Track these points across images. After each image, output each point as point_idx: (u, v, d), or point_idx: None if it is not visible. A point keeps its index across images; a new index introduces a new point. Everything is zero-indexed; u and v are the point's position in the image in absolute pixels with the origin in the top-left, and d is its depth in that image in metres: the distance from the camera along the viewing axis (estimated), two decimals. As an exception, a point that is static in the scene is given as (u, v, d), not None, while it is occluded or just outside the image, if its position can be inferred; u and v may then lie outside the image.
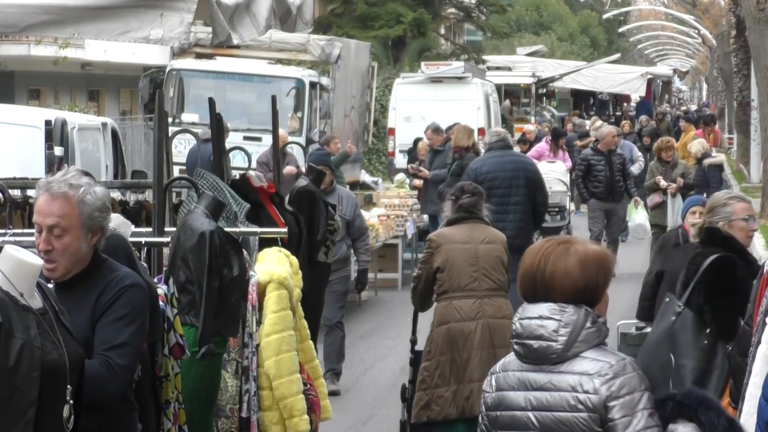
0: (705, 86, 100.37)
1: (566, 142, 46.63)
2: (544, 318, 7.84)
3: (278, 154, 17.23)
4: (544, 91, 75.79)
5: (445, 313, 16.02)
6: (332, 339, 17.95)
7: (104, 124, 28.25)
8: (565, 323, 7.83)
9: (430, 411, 15.71)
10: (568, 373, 7.79)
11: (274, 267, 13.20)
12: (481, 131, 40.18)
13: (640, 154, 39.13)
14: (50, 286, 7.98)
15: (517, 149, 34.39)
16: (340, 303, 17.80)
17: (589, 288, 7.90)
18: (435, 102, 44.02)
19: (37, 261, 7.83)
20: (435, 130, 33.37)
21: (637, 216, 32.34)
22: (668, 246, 14.97)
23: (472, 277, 16.05)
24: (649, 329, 14.11)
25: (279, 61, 38.61)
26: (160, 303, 10.07)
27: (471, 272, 16.09)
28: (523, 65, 77.89)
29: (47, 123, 24.73)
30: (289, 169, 22.83)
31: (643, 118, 63.87)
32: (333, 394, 17.22)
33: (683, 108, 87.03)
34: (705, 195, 31.42)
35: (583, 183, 31.28)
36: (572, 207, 38.89)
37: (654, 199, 32.66)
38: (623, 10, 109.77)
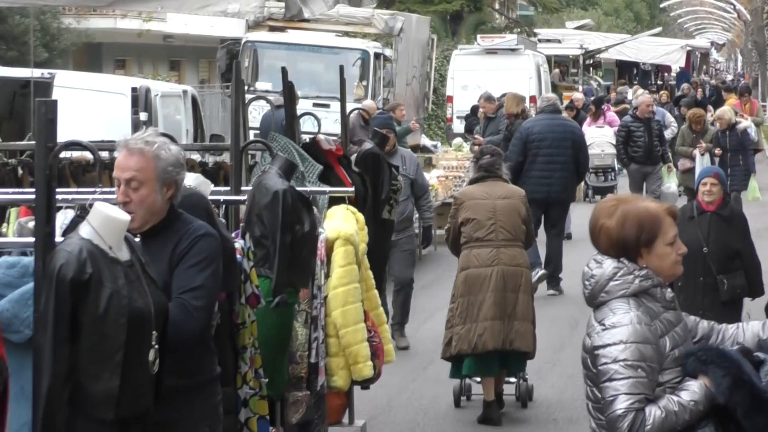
0: (740, 58, 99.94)
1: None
2: (588, 267, 7.88)
3: (345, 119, 17.29)
4: (591, 62, 75.69)
5: (465, 261, 16.51)
6: (402, 297, 17.88)
7: (185, 92, 28.32)
8: (593, 274, 7.85)
9: (450, 348, 16.15)
10: (594, 316, 7.83)
11: (341, 224, 13.24)
12: (533, 99, 40.19)
13: (673, 119, 39.01)
14: (137, 240, 8.01)
15: (564, 115, 34.21)
16: (410, 261, 17.72)
17: (623, 244, 7.78)
18: (490, 72, 43.94)
19: (125, 216, 7.85)
20: (487, 98, 33.31)
21: (671, 183, 32.15)
22: (683, 219, 13.55)
23: (490, 229, 16.45)
24: None
25: (346, 33, 38.62)
26: (237, 256, 10.12)
27: (489, 225, 16.50)
28: (571, 38, 77.77)
29: (133, 90, 24.80)
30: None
31: (685, 86, 63.70)
32: (403, 348, 17.22)
33: (720, 78, 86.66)
34: (740, 157, 31.52)
35: (624, 149, 31.16)
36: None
37: (685, 164, 32.65)
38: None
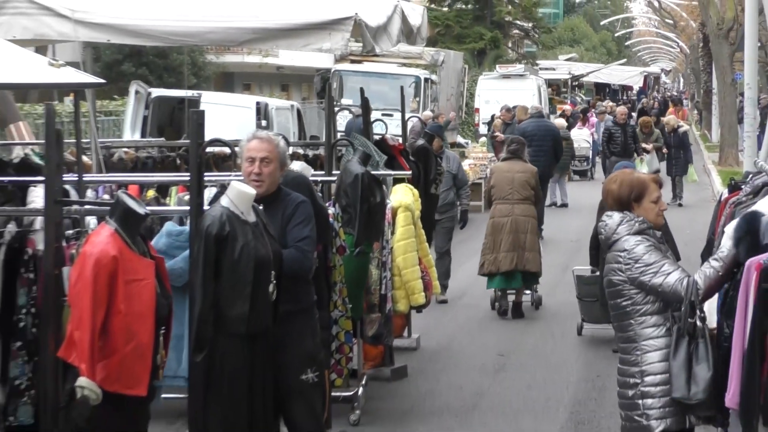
0: (681, 80, 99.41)
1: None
2: (602, 220, 8.01)
3: (404, 124, 17.31)
4: (576, 83, 75.32)
5: (492, 213, 17.37)
6: (442, 262, 17.82)
7: (292, 106, 28.31)
8: (606, 224, 7.92)
9: (483, 268, 17.08)
10: (612, 250, 7.84)
11: (402, 197, 13.31)
12: (539, 111, 40.08)
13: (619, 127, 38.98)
14: (260, 207, 8.04)
15: (553, 119, 34.87)
16: (449, 237, 17.76)
17: (620, 200, 7.93)
18: (505, 91, 43.71)
19: (252, 190, 7.92)
20: (507, 110, 33.35)
21: (642, 169, 32.15)
22: (604, 208, 13.98)
23: (508, 191, 17.21)
24: (597, 273, 14.04)
25: (404, 64, 38.52)
26: (330, 219, 10.20)
27: (508, 189, 17.23)
28: (562, 66, 77.33)
29: (257, 105, 24.88)
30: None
31: (644, 100, 64.14)
32: (443, 302, 17.23)
33: (667, 94, 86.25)
34: (681, 152, 31.53)
35: (606, 146, 31.12)
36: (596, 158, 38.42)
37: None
38: (628, 30, 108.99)
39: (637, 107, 60.83)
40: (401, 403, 12.68)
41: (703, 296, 7.61)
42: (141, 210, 7.04)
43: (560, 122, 33.12)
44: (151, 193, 11.01)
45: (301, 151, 14.85)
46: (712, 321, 8.24)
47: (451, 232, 18.15)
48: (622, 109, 34.37)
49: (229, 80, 49.14)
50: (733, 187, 11.37)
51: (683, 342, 7.60)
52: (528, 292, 17.51)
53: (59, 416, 6.45)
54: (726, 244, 7.64)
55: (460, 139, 35.00)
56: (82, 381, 6.57)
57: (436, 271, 17.08)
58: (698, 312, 7.60)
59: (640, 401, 7.74)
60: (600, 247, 12.75)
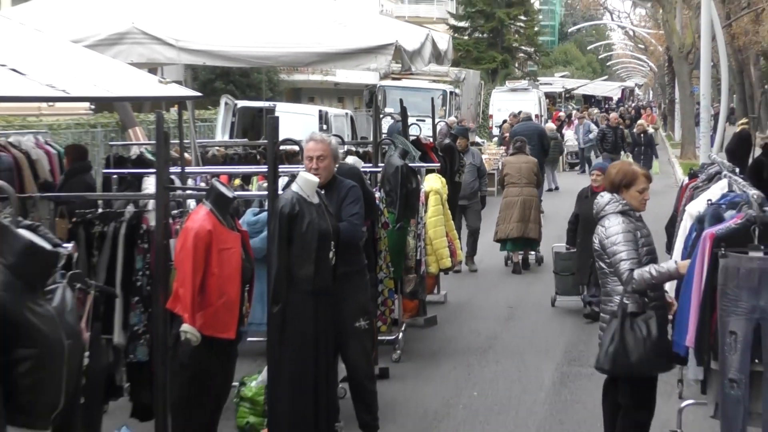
0: (651, 92, 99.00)
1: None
2: (598, 198, 8.01)
3: (434, 128, 17.28)
4: (568, 95, 75.07)
5: (505, 194, 17.49)
6: (472, 239, 17.74)
7: (346, 114, 28.30)
8: (598, 201, 7.91)
9: (497, 235, 17.35)
10: (599, 224, 7.84)
11: (433, 183, 13.38)
12: (537, 116, 39.86)
13: (595, 128, 38.58)
14: (322, 192, 8.04)
15: (545, 122, 35.27)
16: (478, 217, 17.59)
17: (613, 183, 7.85)
18: (513, 101, 43.50)
19: (315, 179, 7.92)
20: (514, 116, 33.22)
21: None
22: (582, 197, 13.82)
23: (517, 178, 17.49)
24: (573, 250, 13.83)
25: (434, 80, 38.47)
26: (376, 201, 10.19)
27: (517, 176, 17.50)
28: (557, 82, 77.02)
29: (319, 113, 24.92)
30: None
31: (621, 108, 63.75)
32: (473, 271, 17.23)
33: (640, 103, 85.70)
34: (649, 149, 31.51)
35: (600, 144, 31.03)
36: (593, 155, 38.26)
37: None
38: (609, 53, 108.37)
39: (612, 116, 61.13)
40: (432, 345, 12.69)
41: (633, 290, 7.55)
42: (230, 194, 7.08)
43: (550, 125, 33.11)
44: (237, 181, 11.04)
45: (353, 148, 14.84)
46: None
47: (479, 213, 18.02)
48: (615, 116, 34.31)
49: (297, 94, 49.18)
50: (692, 175, 11.43)
51: (614, 321, 7.61)
52: (532, 253, 17.97)
53: (168, 354, 6.48)
54: (671, 264, 7.67)
55: (477, 139, 34.83)
56: (185, 327, 6.62)
57: (468, 246, 17.29)
58: (630, 299, 7.61)
59: None
60: (576, 229, 13.26)
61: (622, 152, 30.17)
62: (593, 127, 38.67)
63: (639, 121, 35.36)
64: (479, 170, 17.80)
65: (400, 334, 12.08)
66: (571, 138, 37.59)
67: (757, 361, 7.29)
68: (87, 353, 5.20)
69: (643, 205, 7.85)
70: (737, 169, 10.53)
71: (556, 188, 30.05)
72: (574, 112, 52.27)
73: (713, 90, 32.05)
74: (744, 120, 31.48)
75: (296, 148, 11.11)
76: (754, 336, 7.26)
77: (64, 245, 4.96)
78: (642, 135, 32.29)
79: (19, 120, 20.77)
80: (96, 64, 9.74)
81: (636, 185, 7.79)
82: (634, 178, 7.84)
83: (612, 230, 7.71)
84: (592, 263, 9.51)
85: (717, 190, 9.31)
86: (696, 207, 9.05)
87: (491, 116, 46.38)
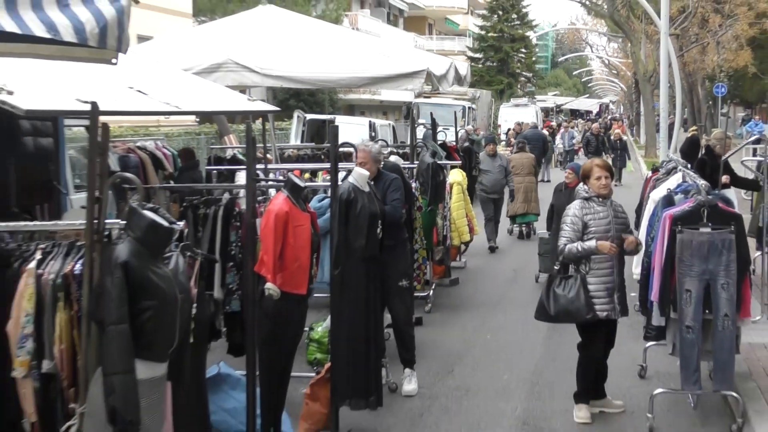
0: (622, 107, 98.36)
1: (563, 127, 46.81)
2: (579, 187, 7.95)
3: (456, 135, 17.22)
4: (558, 109, 74.78)
5: (515, 182, 17.05)
6: (492, 225, 17.12)
7: (389, 124, 28.21)
8: (577, 189, 7.91)
9: (508, 213, 17.51)
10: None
11: (456, 176, 13.31)
12: (534, 125, 39.75)
13: (577, 135, 38.25)
14: (371, 183, 8.01)
15: (541, 129, 35.16)
16: (500, 211, 17.04)
17: (582, 177, 7.85)
18: (516, 114, 43.45)
19: (366, 172, 7.90)
20: (517, 124, 32.99)
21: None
22: (557, 191, 12.95)
23: (520, 169, 17.41)
24: (546, 234, 13.32)
25: (456, 98, 38.21)
26: (413, 190, 10.17)
27: (520, 168, 17.45)
28: (550, 99, 76.95)
29: (369, 123, 24.87)
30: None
31: (600, 119, 63.42)
32: (492, 250, 16.81)
33: (613, 116, 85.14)
34: (625, 154, 31.53)
35: (585, 149, 30.83)
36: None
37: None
38: (589, 77, 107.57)
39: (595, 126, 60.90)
40: (455, 300, 12.67)
41: (563, 259, 7.61)
42: (301, 184, 7.06)
43: (544, 133, 32.78)
44: (307, 175, 11.02)
45: (395, 150, 14.78)
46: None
47: (501, 204, 17.30)
48: (596, 126, 34.15)
49: (351, 109, 49.04)
50: (654, 170, 11.40)
51: (554, 281, 7.64)
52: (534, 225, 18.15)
53: (255, 306, 6.50)
54: (591, 243, 7.53)
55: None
56: (268, 285, 6.61)
57: (490, 230, 16.87)
58: (563, 267, 7.66)
59: None
60: (552, 217, 12.64)
61: (604, 154, 29.98)
62: (576, 134, 38.44)
63: (616, 131, 35.11)
64: (506, 170, 17.08)
65: (431, 292, 12.09)
66: (559, 143, 37.28)
67: (707, 311, 7.31)
68: (195, 305, 5.22)
69: (603, 189, 7.65)
70: (689, 165, 10.51)
71: (548, 180, 29.76)
72: (563, 122, 51.89)
73: (669, 105, 31.80)
74: (694, 127, 31.41)
75: (351, 150, 11.07)
76: (705, 293, 7.31)
77: (177, 223, 4.97)
78: (618, 141, 32.20)
79: (143, 129, 20.95)
80: (200, 86, 9.76)
81: (592, 176, 7.70)
82: (589, 170, 7.77)
83: (568, 212, 7.71)
84: None
85: (674, 181, 9.28)
86: (658, 194, 9.00)
87: (500, 125, 46.17)
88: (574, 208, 7.69)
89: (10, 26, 3.29)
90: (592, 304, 7.50)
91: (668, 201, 8.12)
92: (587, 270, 7.55)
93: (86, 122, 11.86)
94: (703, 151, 14.88)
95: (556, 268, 7.75)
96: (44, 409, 5.02)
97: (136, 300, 4.52)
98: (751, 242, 10.16)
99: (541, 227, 16.15)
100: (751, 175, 13.12)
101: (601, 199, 7.65)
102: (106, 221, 4.68)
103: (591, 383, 7.88)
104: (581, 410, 7.81)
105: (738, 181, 12.77)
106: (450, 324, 11.34)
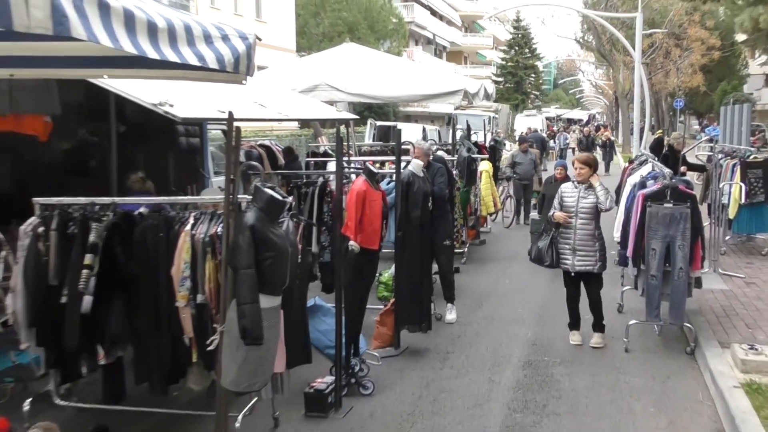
0: (605, 116, 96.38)
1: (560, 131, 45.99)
2: None
3: (485, 137, 16.98)
4: (558, 119, 73.65)
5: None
6: (528, 207, 16.02)
7: (436, 129, 27.86)
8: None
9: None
10: None
11: (485, 166, 12.97)
12: (540, 130, 39.10)
13: (569, 138, 37.32)
14: (425, 169, 7.93)
15: (542, 133, 34.11)
16: (531, 196, 15.81)
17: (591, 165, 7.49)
18: (527, 122, 43.01)
19: (421, 162, 7.80)
20: (529, 129, 32.53)
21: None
22: (547, 182, 11.90)
23: (525, 162, 15.92)
24: (538, 217, 12.12)
25: (484, 110, 37.63)
26: (454, 176, 10.04)
27: (524, 161, 15.94)
28: (552, 111, 75.70)
29: (422, 128, 24.67)
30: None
31: (590, 125, 62.22)
32: (527, 224, 15.96)
33: (599, 123, 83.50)
34: (612, 151, 30.71)
35: (578, 146, 30.14)
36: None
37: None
38: (581, 95, 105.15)
39: (586, 129, 59.59)
40: (483, 255, 12.58)
41: (548, 220, 7.50)
42: (375, 170, 7.04)
43: (543, 135, 31.87)
44: (378, 165, 11.02)
45: (441, 147, 14.65)
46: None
47: (531, 188, 15.97)
48: (587, 129, 33.47)
49: (408, 118, 48.64)
50: (630, 162, 11.18)
51: (541, 235, 7.61)
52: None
53: (341, 257, 6.53)
54: (553, 213, 7.40)
55: (507, 144, 34.28)
56: (351, 242, 6.63)
57: (524, 209, 16.20)
58: (552, 228, 7.45)
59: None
60: (542, 203, 11.43)
61: (593, 151, 29.39)
62: (568, 136, 37.77)
63: (605, 134, 34.49)
64: (534, 162, 16.16)
65: (466, 249, 11.99)
66: (554, 143, 36.43)
67: (667, 264, 7.19)
68: (300, 256, 5.25)
69: (578, 176, 7.41)
70: (656, 159, 10.30)
71: (545, 169, 29.20)
72: (561, 128, 51.02)
73: (641, 115, 31.13)
74: (659, 131, 30.76)
75: (410, 147, 11.04)
76: (666, 251, 7.17)
77: (288, 198, 4.99)
78: (607, 141, 31.52)
79: (262, 132, 21.11)
80: (301, 101, 9.79)
81: (575, 167, 7.54)
82: (574, 163, 7.58)
83: (558, 189, 7.58)
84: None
85: (645, 170, 9.08)
86: (633, 179, 8.82)
87: (515, 130, 45.57)
88: (561, 188, 7.59)
89: (173, 57, 3.34)
90: (557, 256, 7.42)
91: (642, 184, 7.97)
92: (558, 232, 7.46)
93: (223, 126, 12.01)
94: (666, 148, 14.54)
95: (543, 228, 7.68)
96: (198, 329, 5.11)
97: (259, 252, 4.56)
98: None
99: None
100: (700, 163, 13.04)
101: (577, 183, 7.49)
102: (238, 196, 4.73)
103: (574, 316, 7.77)
104: (574, 335, 7.75)
105: (691, 167, 12.85)
106: (479, 272, 11.28)
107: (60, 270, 5.22)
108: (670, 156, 12.71)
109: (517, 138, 39.78)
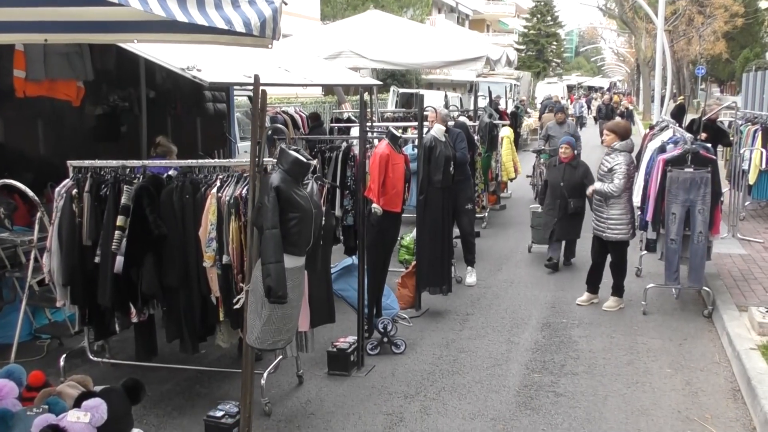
0: (626, 84, 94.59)
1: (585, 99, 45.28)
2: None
3: (506, 103, 16.76)
4: (579, 86, 72.58)
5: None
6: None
7: (458, 96, 27.52)
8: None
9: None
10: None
11: (506, 132, 12.87)
12: (561, 98, 38.55)
13: (585, 105, 36.78)
14: (446, 134, 7.85)
15: (564, 101, 33.61)
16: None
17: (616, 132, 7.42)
18: (548, 89, 42.48)
19: (443, 127, 7.72)
20: (548, 97, 32.01)
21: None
22: (551, 166, 9.59)
23: (561, 136, 14.98)
24: (539, 209, 10.27)
25: (506, 77, 37.05)
26: (475, 141, 9.95)
27: (560, 134, 15.02)
28: (573, 79, 74.46)
29: (444, 95, 24.25)
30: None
31: (610, 93, 61.27)
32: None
33: (621, 91, 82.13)
34: (630, 119, 30.08)
35: (597, 114, 29.58)
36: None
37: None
38: (602, 63, 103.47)
39: (605, 97, 58.67)
40: (502, 220, 12.54)
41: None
42: (398, 134, 7.00)
43: (561, 102, 31.35)
44: (400, 130, 10.96)
45: (463, 113, 14.53)
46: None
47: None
48: (606, 97, 32.78)
49: (430, 85, 48.15)
50: (651, 128, 10.97)
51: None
52: None
53: (364, 220, 6.52)
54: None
55: (529, 110, 33.89)
56: (374, 205, 6.62)
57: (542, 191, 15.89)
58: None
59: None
60: (546, 192, 9.30)
61: (611, 118, 28.97)
62: (584, 103, 37.26)
63: (623, 102, 33.79)
64: (573, 135, 15.68)
65: (486, 213, 11.96)
66: (572, 110, 35.84)
67: (687, 229, 7.11)
68: (324, 218, 5.25)
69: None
70: (677, 124, 10.14)
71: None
72: (582, 95, 50.28)
73: (662, 82, 30.59)
74: (681, 98, 30.12)
75: (431, 113, 10.99)
76: (686, 215, 7.09)
77: (312, 160, 4.97)
78: (625, 110, 31.03)
79: (287, 99, 21.06)
80: (326, 67, 9.72)
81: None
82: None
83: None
84: (555, 223, 8.94)
85: (666, 135, 8.94)
86: (654, 145, 8.69)
87: (536, 97, 45.03)
88: (603, 157, 7.54)
89: (201, 20, 3.31)
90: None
91: (662, 149, 7.86)
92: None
93: (248, 93, 11.93)
94: (699, 114, 14.17)
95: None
96: (224, 288, 5.15)
97: (284, 212, 4.55)
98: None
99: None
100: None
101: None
102: (264, 159, 4.72)
103: (593, 279, 7.76)
104: (583, 295, 7.80)
105: (716, 135, 12.22)
106: (499, 236, 11.24)
107: (93, 230, 5.28)
108: (696, 123, 12.41)
109: (538, 104, 39.45)
